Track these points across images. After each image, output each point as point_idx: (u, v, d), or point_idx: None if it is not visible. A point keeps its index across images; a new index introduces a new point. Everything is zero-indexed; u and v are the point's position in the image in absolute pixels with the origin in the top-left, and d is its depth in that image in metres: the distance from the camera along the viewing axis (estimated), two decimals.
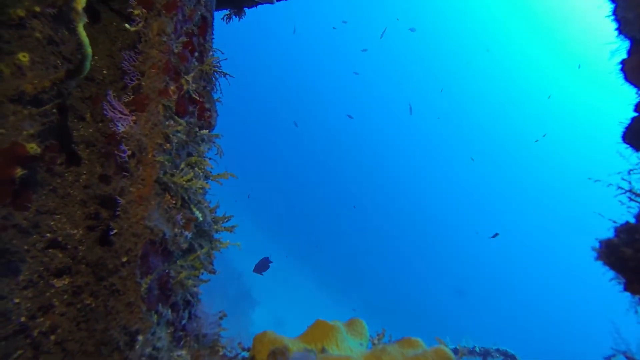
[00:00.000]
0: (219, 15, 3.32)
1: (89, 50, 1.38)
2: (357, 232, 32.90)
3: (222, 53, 2.19)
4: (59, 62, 1.88)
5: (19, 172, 1.51)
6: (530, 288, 32.78)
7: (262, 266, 7.80)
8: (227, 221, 1.83)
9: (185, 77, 1.71)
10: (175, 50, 1.72)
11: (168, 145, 1.56)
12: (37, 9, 1.67)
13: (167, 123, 1.60)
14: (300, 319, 20.46)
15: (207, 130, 1.78)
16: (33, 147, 1.51)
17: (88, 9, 1.90)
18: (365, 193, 37.67)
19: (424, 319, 24.50)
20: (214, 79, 1.95)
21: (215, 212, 1.81)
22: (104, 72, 2.13)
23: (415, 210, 38.04)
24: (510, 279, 33.42)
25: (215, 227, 1.79)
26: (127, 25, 1.66)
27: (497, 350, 7.98)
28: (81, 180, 1.94)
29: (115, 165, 1.63)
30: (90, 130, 2.05)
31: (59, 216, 1.81)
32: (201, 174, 1.71)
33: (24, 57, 1.63)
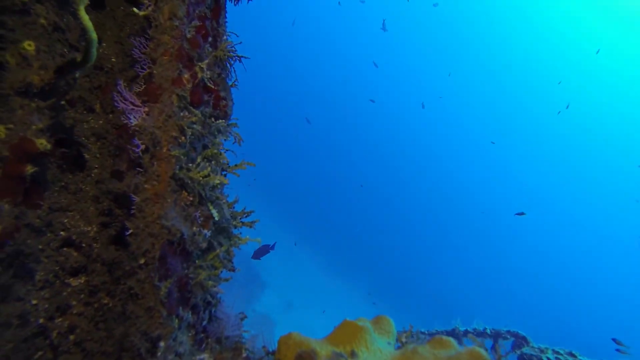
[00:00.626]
0: None
1: (94, 35, 1.28)
2: (367, 215, 32.91)
3: (237, 36, 2.07)
4: (65, 49, 1.78)
5: (29, 169, 1.43)
6: (546, 271, 32.69)
7: (261, 252, 7.81)
8: (246, 216, 1.75)
9: (199, 64, 1.60)
10: (188, 36, 1.61)
11: (183, 138, 1.47)
12: None
13: (181, 114, 1.50)
14: (310, 301, 20.70)
15: (223, 121, 1.68)
16: (43, 143, 1.43)
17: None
18: (373, 175, 37.54)
19: (436, 300, 24.62)
20: (228, 65, 1.84)
21: (234, 207, 1.72)
22: (113, 59, 2.02)
23: (424, 192, 37.90)
24: (524, 261, 33.31)
25: (234, 222, 1.70)
26: (135, 9, 1.55)
27: (508, 331, 7.97)
28: (93, 175, 1.86)
29: (128, 160, 1.55)
30: (101, 121, 1.95)
31: (72, 213, 1.74)
32: (218, 168, 1.62)
33: (29, 46, 1.53)
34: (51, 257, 1.62)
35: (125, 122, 1.46)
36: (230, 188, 1.96)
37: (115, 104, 1.48)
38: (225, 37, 1.88)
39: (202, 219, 1.47)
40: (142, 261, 1.33)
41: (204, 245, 1.47)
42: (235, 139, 1.78)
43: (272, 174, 30.76)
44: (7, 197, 1.41)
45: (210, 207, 1.49)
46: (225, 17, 1.98)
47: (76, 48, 1.85)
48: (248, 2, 4.21)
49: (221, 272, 1.59)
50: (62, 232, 1.68)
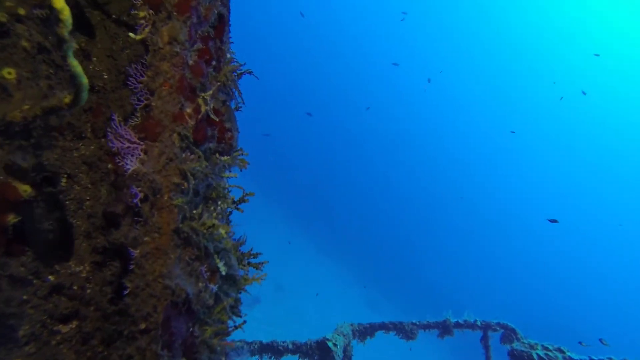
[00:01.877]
0: None
1: (85, 80, 1.11)
2: (363, 203, 32.96)
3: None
4: (51, 71, 1.58)
5: (11, 219, 1.27)
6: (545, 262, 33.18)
7: None
8: (254, 257, 1.62)
9: (203, 95, 1.43)
10: (190, 62, 1.43)
11: (186, 184, 1.31)
12: (22, 11, 1.36)
13: (184, 156, 1.34)
14: (300, 284, 20.86)
15: (229, 157, 1.52)
16: (27, 190, 1.26)
17: (77, 16, 1.58)
18: (373, 165, 37.46)
19: (428, 290, 25.01)
20: (233, 89, 1.67)
21: (240, 249, 1.59)
22: (105, 76, 1.82)
23: (423, 183, 38.01)
24: (519, 256, 33.79)
25: (241, 265, 1.57)
26: (131, 34, 1.36)
27: (498, 323, 8.09)
28: (85, 208, 1.70)
29: (125, 203, 1.39)
30: (92, 147, 1.77)
31: (61, 252, 1.59)
32: (224, 207, 1.47)
33: (9, 75, 1.33)
34: (38, 306, 1.48)
35: (120, 164, 1.29)
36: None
37: (110, 143, 1.32)
38: (229, 55, 1.70)
39: (208, 273, 1.33)
40: (142, 326, 1.20)
41: (211, 302, 1.34)
42: (239, 166, 1.63)
43: (274, 161, 30.47)
44: None
45: (217, 260, 1.35)
46: (229, 32, 1.80)
47: (62, 68, 1.66)
48: None
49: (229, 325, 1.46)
50: (50, 277, 1.53)
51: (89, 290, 1.60)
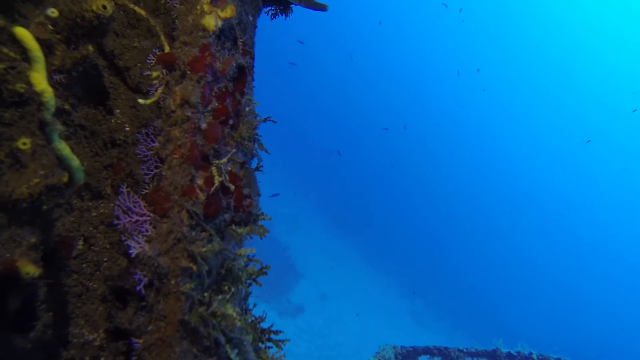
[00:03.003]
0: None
1: (75, 162, 1.00)
2: (412, 211, 32.11)
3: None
4: (70, 131, 1.53)
5: (15, 302, 1.21)
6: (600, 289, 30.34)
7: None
8: (275, 335, 1.45)
9: (217, 162, 1.29)
10: (203, 126, 1.29)
11: (195, 267, 1.17)
12: None
13: (193, 235, 1.20)
14: (344, 294, 20.60)
15: (248, 228, 1.37)
16: (29, 273, 1.18)
17: (84, 76, 1.49)
18: (422, 170, 36.48)
19: (474, 305, 23.75)
20: (255, 146, 1.52)
21: (260, 325, 1.43)
22: (127, 129, 1.75)
23: (479, 192, 36.42)
24: (578, 278, 31.09)
25: (260, 342, 1.41)
26: (140, 100, 1.25)
27: (559, 359, 7.33)
28: (102, 270, 1.63)
29: (133, 281, 1.28)
30: (112, 205, 1.71)
31: (74, 320, 1.53)
32: (240, 288, 1.32)
33: (24, 145, 1.27)
34: None
35: (125, 243, 1.18)
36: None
37: (116, 220, 1.21)
38: (248, 108, 1.55)
39: None
40: None
41: None
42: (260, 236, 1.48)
43: (314, 165, 30.61)
44: None
45: (229, 351, 1.19)
46: (252, 80, 1.65)
47: (83, 127, 1.60)
48: (285, 19, 3.85)
49: None
50: (62, 349, 1.46)
51: None
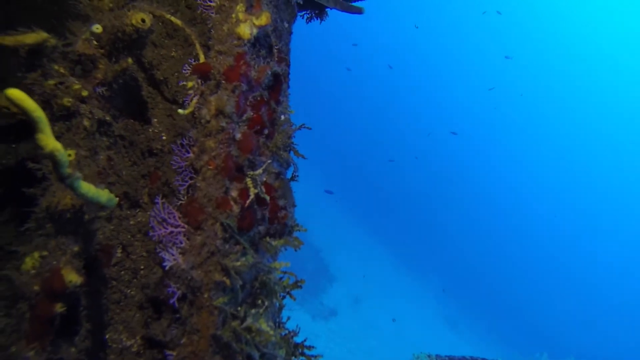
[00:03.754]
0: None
1: (103, 199, 1.01)
2: (443, 211, 31.29)
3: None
4: (110, 141, 1.56)
5: (59, 307, 1.24)
6: None
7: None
8: (308, 350, 1.41)
9: (252, 173, 1.26)
10: (238, 136, 1.27)
11: (228, 281, 1.15)
12: (85, 93, 1.34)
13: (227, 248, 1.18)
14: (378, 297, 20.34)
15: (282, 239, 1.33)
16: (72, 281, 1.21)
17: (124, 87, 1.51)
18: (458, 172, 35.53)
19: (509, 308, 22.73)
20: (290, 155, 1.48)
21: (293, 339, 1.39)
22: (164, 137, 1.78)
23: (518, 193, 35.00)
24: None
25: (293, 356, 1.38)
26: (180, 110, 1.25)
27: None
28: (139, 278, 1.66)
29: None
30: (149, 212, 1.74)
31: (114, 326, 1.56)
32: (275, 301, 1.29)
33: (69, 157, 1.31)
34: None
35: (159, 255, 1.18)
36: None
37: (151, 231, 1.21)
38: (287, 115, 1.52)
39: None
40: None
41: None
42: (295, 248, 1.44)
43: (349, 167, 30.49)
44: (34, 342, 1.23)
45: None
46: (288, 87, 1.62)
47: (122, 137, 1.63)
48: (321, 23, 3.81)
49: None
50: (102, 356, 1.50)
51: None
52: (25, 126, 1.52)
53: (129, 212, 1.62)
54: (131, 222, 1.62)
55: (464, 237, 29.00)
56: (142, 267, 1.62)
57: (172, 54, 1.83)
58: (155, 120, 1.74)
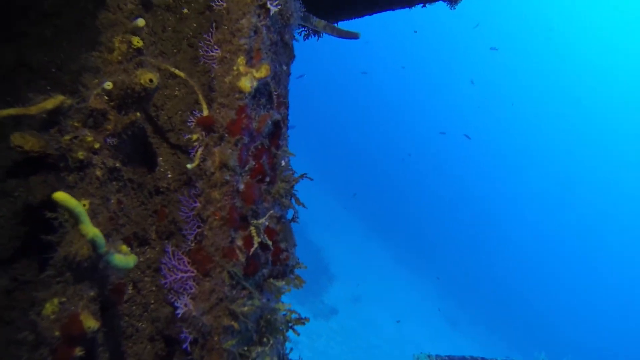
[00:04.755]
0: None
1: (131, 264, 1.11)
2: (443, 210, 31.40)
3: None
4: (120, 184, 1.65)
5: (78, 351, 1.33)
6: None
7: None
8: None
9: (255, 222, 1.36)
10: (241, 187, 1.36)
11: (236, 325, 1.24)
12: (97, 145, 1.42)
13: (234, 294, 1.28)
14: (377, 296, 20.48)
15: (284, 280, 1.43)
16: (90, 327, 1.30)
17: (133, 136, 1.60)
18: (458, 170, 35.63)
19: (509, 307, 22.89)
20: (291, 202, 1.58)
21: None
22: (169, 175, 1.87)
23: (517, 191, 35.12)
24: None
25: None
26: (188, 165, 1.34)
27: None
28: (149, 311, 1.76)
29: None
30: (157, 249, 1.83)
31: (127, 359, 1.65)
32: (281, 339, 1.39)
33: (83, 206, 1.40)
34: None
35: (171, 302, 1.27)
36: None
37: (162, 279, 1.30)
38: (287, 159, 1.62)
39: None
40: None
41: None
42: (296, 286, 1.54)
43: (345, 165, 30.56)
44: None
45: None
46: (287, 130, 1.71)
47: (131, 180, 1.72)
48: (318, 40, 3.90)
49: None
50: None
51: None
52: (36, 161, 1.60)
53: (138, 250, 1.71)
54: (141, 259, 1.72)
55: (465, 237, 29.14)
56: (152, 301, 1.71)
57: (176, 93, 1.92)
58: (161, 159, 1.84)
